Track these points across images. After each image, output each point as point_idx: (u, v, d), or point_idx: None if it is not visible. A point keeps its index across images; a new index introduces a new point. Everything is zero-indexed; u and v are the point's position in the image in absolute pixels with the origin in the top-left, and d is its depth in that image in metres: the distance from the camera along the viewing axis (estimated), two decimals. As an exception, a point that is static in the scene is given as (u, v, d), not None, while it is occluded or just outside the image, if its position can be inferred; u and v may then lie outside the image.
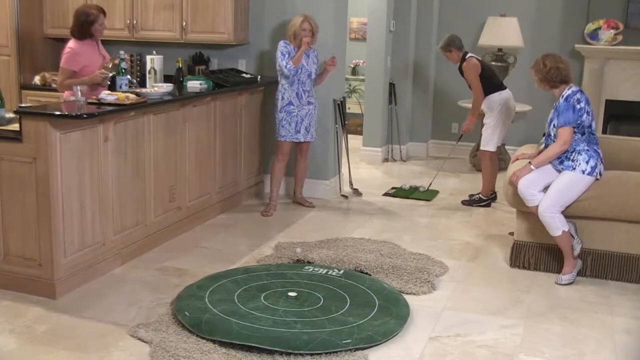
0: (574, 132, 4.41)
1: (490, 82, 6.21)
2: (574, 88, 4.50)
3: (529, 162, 4.54)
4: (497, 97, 6.17)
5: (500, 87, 6.27)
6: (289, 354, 3.36)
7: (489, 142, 6.24)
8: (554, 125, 4.49)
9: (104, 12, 4.90)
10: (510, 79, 7.41)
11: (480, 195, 6.37)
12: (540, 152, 4.65)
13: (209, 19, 6.07)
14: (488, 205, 6.32)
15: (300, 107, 5.75)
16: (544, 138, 4.72)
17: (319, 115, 6.05)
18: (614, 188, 4.45)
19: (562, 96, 4.48)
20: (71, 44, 4.86)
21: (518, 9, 7.84)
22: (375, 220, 5.80)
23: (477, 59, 6.22)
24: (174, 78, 5.64)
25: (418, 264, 4.66)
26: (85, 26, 4.82)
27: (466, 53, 6.22)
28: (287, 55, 5.63)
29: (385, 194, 6.64)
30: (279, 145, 5.84)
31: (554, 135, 4.49)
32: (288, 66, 5.60)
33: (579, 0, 7.72)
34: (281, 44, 5.69)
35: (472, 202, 6.37)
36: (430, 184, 6.80)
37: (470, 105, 6.46)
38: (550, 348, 3.59)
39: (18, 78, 6.45)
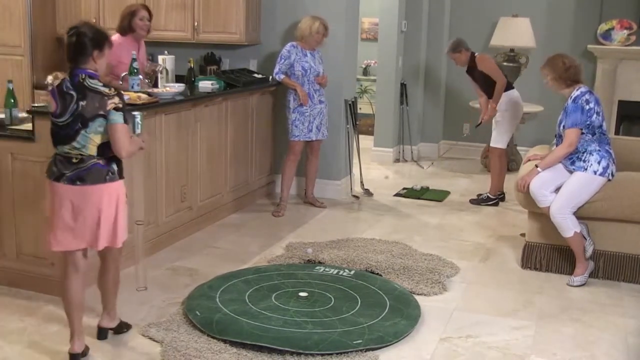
0: (584, 132, 4.39)
1: (501, 82, 6.23)
2: (583, 89, 4.47)
3: (535, 165, 4.52)
4: (507, 96, 6.17)
5: (510, 87, 6.28)
6: (299, 354, 3.36)
7: (500, 140, 6.25)
8: (563, 126, 4.46)
9: (148, 10, 5.11)
10: (522, 80, 7.39)
11: (488, 194, 6.36)
12: (551, 154, 4.63)
13: (220, 19, 6.08)
14: (496, 204, 6.30)
15: (313, 106, 5.76)
16: (555, 139, 4.70)
17: (330, 115, 6.05)
18: (627, 189, 4.42)
19: (571, 97, 4.46)
20: (113, 37, 4.92)
21: (530, 9, 7.80)
22: (386, 220, 5.79)
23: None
24: (186, 78, 5.64)
25: (429, 265, 4.65)
26: (125, 19, 5.00)
27: (473, 53, 6.24)
28: (284, 60, 5.65)
29: (397, 195, 6.63)
30: (292, 146, 5.84)
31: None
32: (278, 76, 5.68)
33: (592, 1, 7.67)
34: (287, 46, 5.70)
35: (480, 201, 6.36)
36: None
37: (478, 106, 6.52)
38: (562, 350, 3.58)
39: (31, 78, 6.48)
